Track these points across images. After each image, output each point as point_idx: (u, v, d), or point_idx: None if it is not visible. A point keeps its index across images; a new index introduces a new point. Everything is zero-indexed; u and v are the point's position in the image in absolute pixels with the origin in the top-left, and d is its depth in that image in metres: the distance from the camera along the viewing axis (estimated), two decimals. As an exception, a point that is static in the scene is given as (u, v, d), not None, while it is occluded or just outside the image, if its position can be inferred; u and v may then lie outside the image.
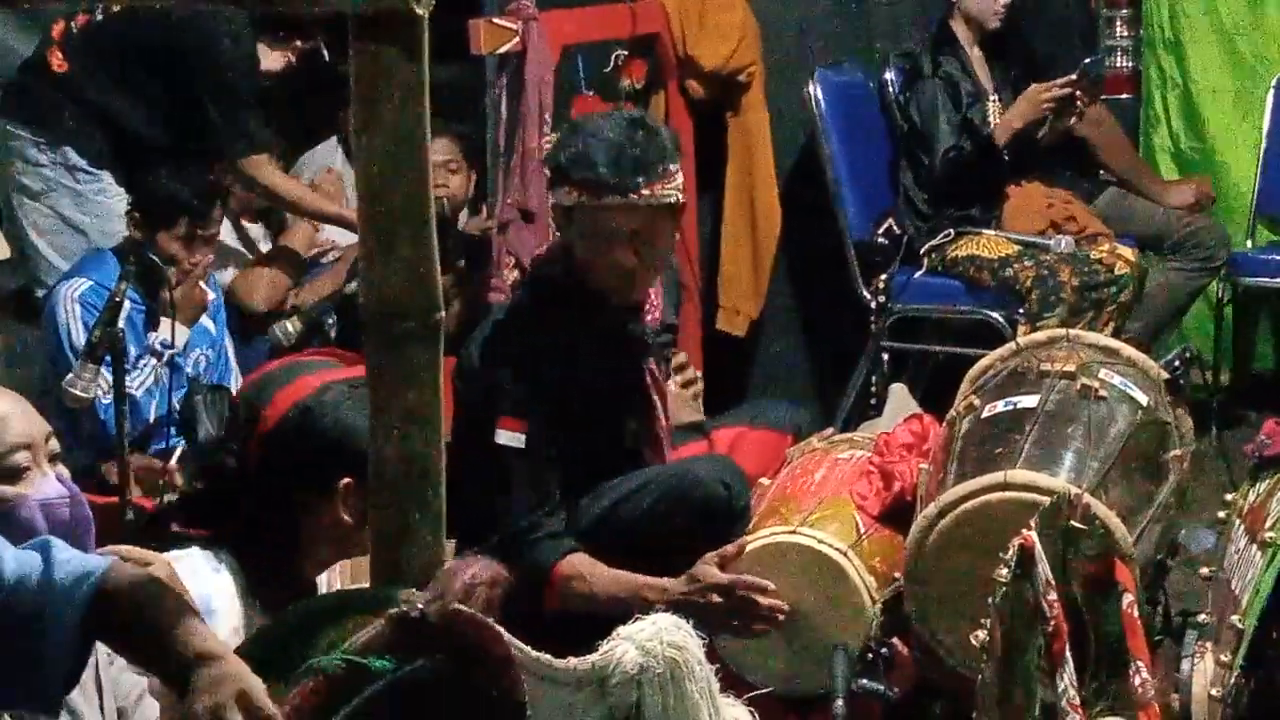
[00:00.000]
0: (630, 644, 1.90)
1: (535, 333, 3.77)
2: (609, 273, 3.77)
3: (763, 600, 3.60)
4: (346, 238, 5.81)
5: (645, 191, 3.71)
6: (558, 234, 4.04)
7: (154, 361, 4.70)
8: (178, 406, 4.53)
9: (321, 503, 2.79)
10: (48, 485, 2.52)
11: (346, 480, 2.75)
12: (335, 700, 1.87)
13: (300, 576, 2.84)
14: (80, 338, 4.45)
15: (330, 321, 5.43)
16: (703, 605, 3.56)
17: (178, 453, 4.43)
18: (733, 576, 3.60)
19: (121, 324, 3.94)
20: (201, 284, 4.85)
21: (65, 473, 2.61)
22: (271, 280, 5.40)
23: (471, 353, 3.81)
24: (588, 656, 1.94)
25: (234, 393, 4.77)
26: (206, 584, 2.71)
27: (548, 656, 1.93)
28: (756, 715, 2.18)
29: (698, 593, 3.60)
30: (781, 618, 3.61)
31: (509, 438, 3.68)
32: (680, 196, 3.82)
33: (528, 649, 1.92)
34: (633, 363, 3.87)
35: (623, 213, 3.72)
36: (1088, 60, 5.93)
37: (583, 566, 3.66)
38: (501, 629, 1.92)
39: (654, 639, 1.89)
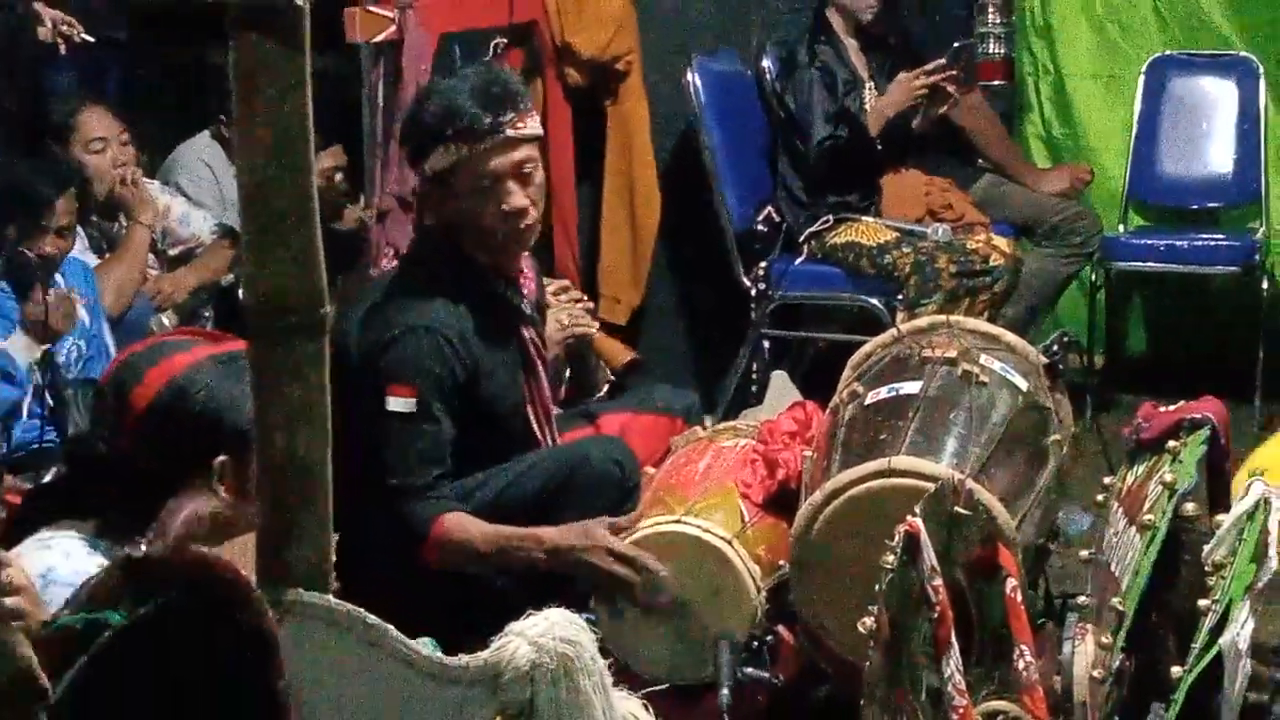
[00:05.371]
0: (523, 640, 1.89)
1: (418, 302, 3.75)
2: (503, 219, 3.76)
3: (646, 591, 3.59)
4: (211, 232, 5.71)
5: (520, 124, 3.76)
6: (427, 219, 3.99)
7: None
8: (50, 402, 4.46)
9: (199, 483, 2.72)
10: None
11: (223, 458, 2.71)
12: (74, 653, 1.85)
13: None
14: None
15: (206, 315, 5.37)
16: (591, 564, 3.56)
17: None
18: (634, 550, 3.58)
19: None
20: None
21: None
22: (117, 284, 5.15)
23: (350, 330, 3.76)
24: (479, 654, 1.93)
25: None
26: (84, 565, 2.60)
27: (439, 654, 1.91)
28: (650, 709, 2.17)
29: (594, 551, 3.58)
30: (666, 603, 3.61)
31: (400, 404, 3.65)
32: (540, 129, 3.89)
33: (417, 646, 1.91)
34: (514, 333, 3.87)
35: (506, 149, 3.74)
36: (956, 44, 5.98)
37: (464, 520, 3.65)
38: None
39: (546, 634, 1.88)
